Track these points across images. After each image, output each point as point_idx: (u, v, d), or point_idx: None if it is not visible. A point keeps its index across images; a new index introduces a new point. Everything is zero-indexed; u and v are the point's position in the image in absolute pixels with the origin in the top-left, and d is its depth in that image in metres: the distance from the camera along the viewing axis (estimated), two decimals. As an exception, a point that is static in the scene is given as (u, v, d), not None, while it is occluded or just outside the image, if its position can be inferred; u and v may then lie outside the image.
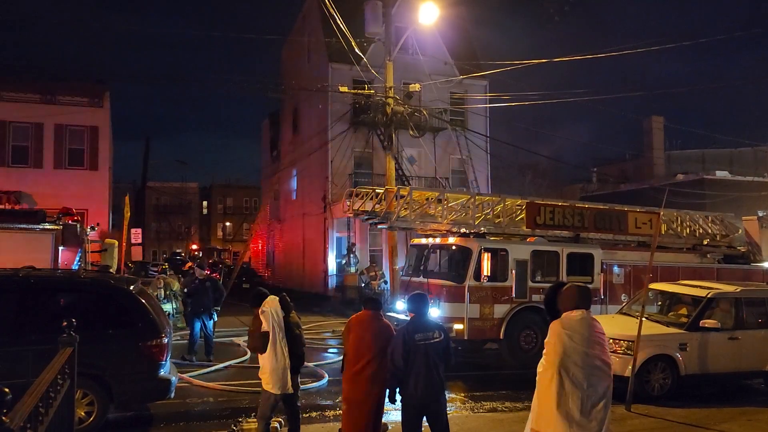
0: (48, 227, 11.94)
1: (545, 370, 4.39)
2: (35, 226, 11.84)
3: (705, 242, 15.50)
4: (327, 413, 8.53)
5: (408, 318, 6.12)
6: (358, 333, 6.12)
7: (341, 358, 12.40)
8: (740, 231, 16.15)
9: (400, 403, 5.80)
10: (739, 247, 15.95)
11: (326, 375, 10.51)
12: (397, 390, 5.76)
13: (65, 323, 4.10)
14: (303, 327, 6.93)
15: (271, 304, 6.35)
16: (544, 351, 4.45)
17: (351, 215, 17.72)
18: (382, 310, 6.58)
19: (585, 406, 4.24)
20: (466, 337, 11.66)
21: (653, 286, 10.96)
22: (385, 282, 22.13)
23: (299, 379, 6.71)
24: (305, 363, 11.14)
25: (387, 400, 5.93)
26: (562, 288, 4.64)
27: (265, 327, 6.23)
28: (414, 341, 5.60)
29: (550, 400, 4.29)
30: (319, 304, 23.58)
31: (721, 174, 30.91)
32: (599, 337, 4.46)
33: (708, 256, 15.17)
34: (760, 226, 16.64)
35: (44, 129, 25.34)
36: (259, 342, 6.29)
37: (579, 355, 4.30)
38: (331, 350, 13.74)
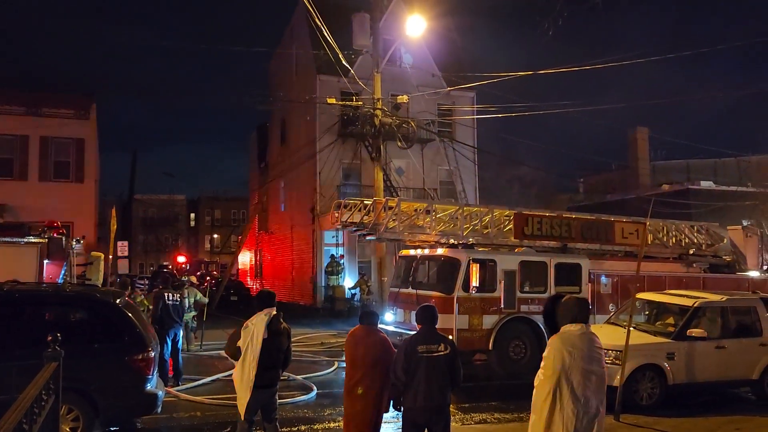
0: (33, 241, 11.85)
1: (542, 384, 4.38)
2: (20, 240, 11.74)
3: (691, 252, 15.63)
4: (315, 426, 8.46)
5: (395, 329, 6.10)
6: (352, 348, 6.12)
7: (331, 370, 12.42)
8: (725, 240, 16.31)
9: (401, 416, 5.75)
10: (724, 257, 16.10)
11: (315, 388, 10.44)
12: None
13: (50, 338, 4.05)
14: (292, 339, 6.84)
15: (258, 323, 6.16)
16: (542, 364, 4.44)
17: (339, 227, 17.72)
18: (378, 323, 6.50)
19: (581, 421, 4.25)
20: (455, 349, 11.65)
21: (640, 295, 11.01)
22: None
23: (277, 397, 6.56)
24: (294, 376, 11.18)
25: (391, 408, 5.87)
26: (561, 300, 4.64)
27: (240, 343, 6.17)
28: (416, 353, 5.52)
29: (547, 415, 4.28)
30: (308, 315, 23.48)
31: (705, 184, 31.22)
32: (598, 352, 4.46)
33: (694, 265, 15.29)
34: (744, 235, 16.82)
35: (29, 141, 25.11)
36: (231, 352, 6.32)
37: (578, 371, 4.30)
38: (320, 363, 13.65)
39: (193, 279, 16.95)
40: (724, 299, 10.45)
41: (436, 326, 5.87)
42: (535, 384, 4.46)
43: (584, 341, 4.39)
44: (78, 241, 15.11)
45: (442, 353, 5.56)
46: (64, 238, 12.75)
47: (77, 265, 14.99)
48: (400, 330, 12.44)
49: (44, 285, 10.31)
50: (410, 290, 12.93)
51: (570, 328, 4.43)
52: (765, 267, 16.84)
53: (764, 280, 14.90)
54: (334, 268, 24.76)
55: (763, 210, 26.87)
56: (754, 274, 15.64)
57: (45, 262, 11.85)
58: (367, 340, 6.09)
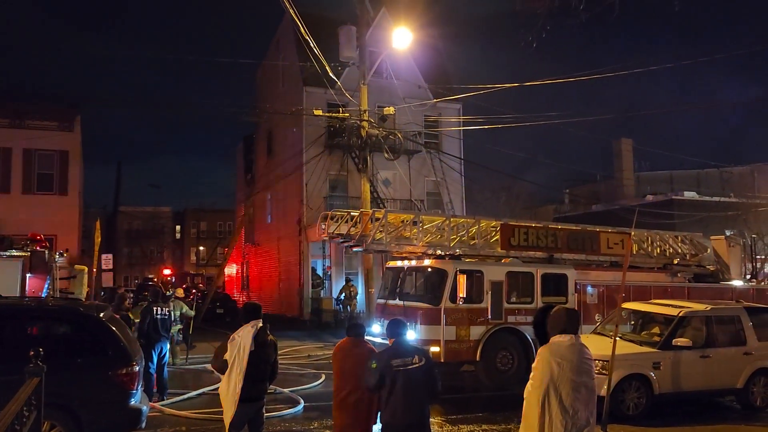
0: (15, 254, 11.70)
1: (530, 394, 4.38)
2: (2, 253, 11.59)
3: (675, 261, 15.76)
4: (303, 440, 8.39)
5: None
6: (340, 360, 6.08)
7: (318, 383, 12.34)
8: (709, 250, 16.47)
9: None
10: (708, 266, 16.25)
11: (302, 401, 10.36)
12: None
13: (32, 352, 4.00)
14: (279, 351, 6.79)
15: (245, 335, 6.11)
16: (531, 375, 4.43)
17: (326, 238, 17.68)
18: (365, 335, 6.48)
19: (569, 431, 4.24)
20: (442, 360, 11.62)
21: (626, 305, 11.08)
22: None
23: (264, 410, 6.51)
24: (281, 389, 11.09)
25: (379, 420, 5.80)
26: (550, 311, 4.64)
27: (227, 356, 6.12)
28: (391, 367, 5.42)
29: (534, 425, 4.27)
30: (295, 327, 23.37)
31: (689, 194, 31.64)
32: (588, 363, 4.44)
33: (678, 275, 15.41)
34: (727, 245, 17.00)
35: (12, 153, 24.87)
36: (218, 366, 6.27)
37: (566, 382, 4.28)
38: (307, 375, 13.56)
39: (179, 292, 16.77)
40: (708, 309, 10.54)
41: (425, 337, 5.84)
42: (525, 395, 4.46)
43: (573, 352, 4.39)
44: (61, 255, 14.93)
45: (417, 365, 5.45)
46: (47, 252, 12.59)
47: (61, 278, 14.80)
48: (387, 342, 12.39)
49: (27, 299, 10.17)
50: (397, 301, 12.91)
51: (559, 339, 4.43)
52: (748, 276, 17.03)
53: (747, 290, 15.06)
54: (315, 281, 25.91)
55: (745, 220, 27.26)
56: (737, 283, 15.80)
57: (28, 275, 11.70)
58: (355, 351, 6.06)
